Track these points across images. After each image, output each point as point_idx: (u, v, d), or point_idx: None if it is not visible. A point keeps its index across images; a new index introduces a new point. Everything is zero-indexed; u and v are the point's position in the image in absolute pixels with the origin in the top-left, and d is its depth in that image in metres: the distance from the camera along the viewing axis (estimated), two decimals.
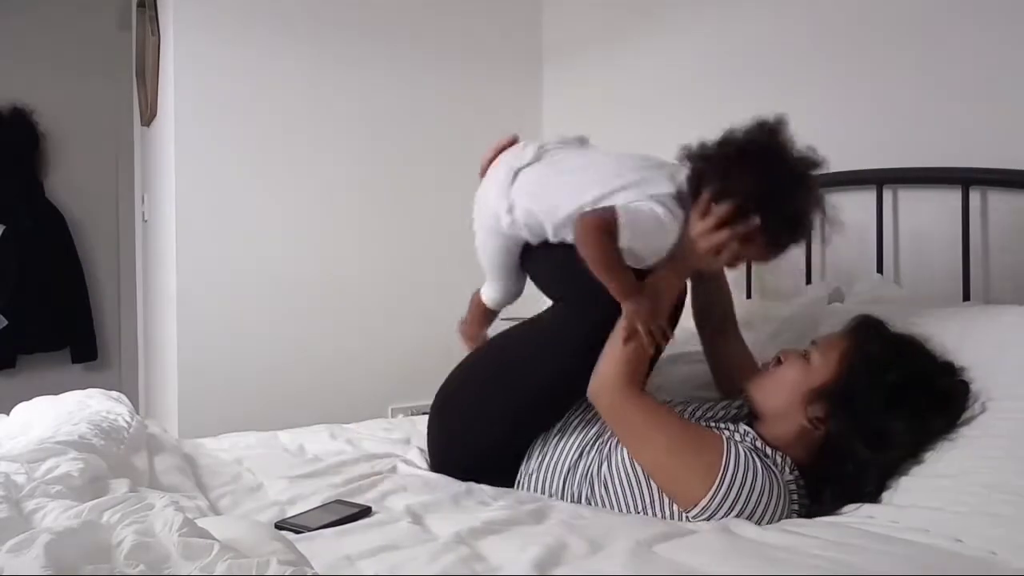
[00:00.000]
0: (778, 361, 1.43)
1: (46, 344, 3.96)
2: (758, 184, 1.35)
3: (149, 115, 2.97)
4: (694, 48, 2.40)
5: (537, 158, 1.54)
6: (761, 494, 1.25)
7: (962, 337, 1.41)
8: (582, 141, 1.66)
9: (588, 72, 2.83)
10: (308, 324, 2.71)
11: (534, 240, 1.55)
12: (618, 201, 1.40)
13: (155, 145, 2.94)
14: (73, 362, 4.03)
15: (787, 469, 1.32)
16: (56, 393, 1.78)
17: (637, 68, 2.60)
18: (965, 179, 1.66)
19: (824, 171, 1.40)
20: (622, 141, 2.64)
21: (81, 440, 1.39)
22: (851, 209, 1.93)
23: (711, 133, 2.32)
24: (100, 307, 4.19)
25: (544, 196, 1.49)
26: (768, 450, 1.34)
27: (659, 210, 1.39)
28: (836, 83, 1.98)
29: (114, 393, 1.82)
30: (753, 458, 1.28)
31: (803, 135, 2.08)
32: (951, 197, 1.70)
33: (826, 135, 2.01)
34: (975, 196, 1.67)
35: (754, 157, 1.38)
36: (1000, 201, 1.65)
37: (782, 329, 1.82)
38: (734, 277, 2.20)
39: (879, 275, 1.83)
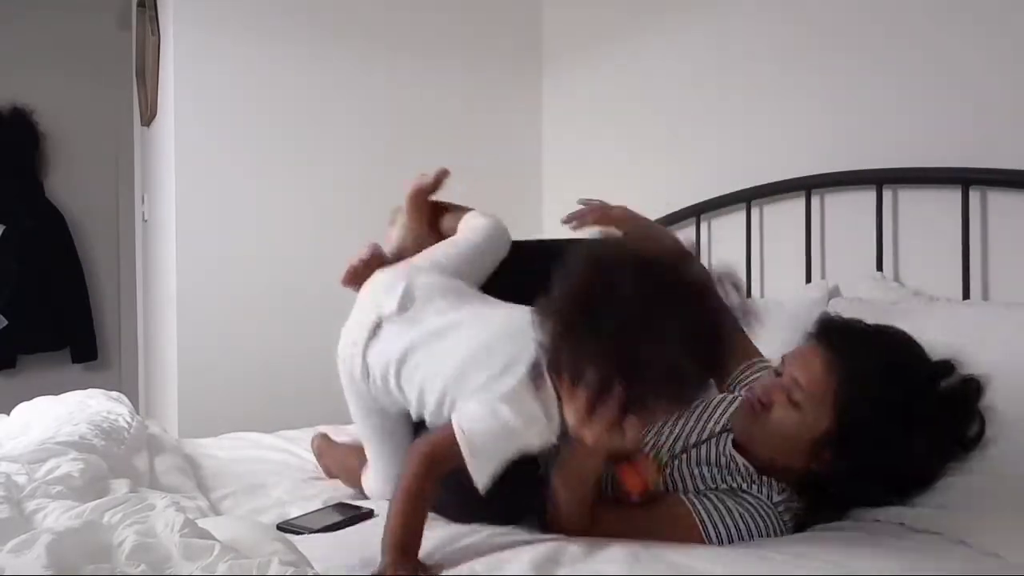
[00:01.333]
0: (760, 404, 1.27)
1: (46, 344, 3.96)
2: (601, 340, 0.99)
3: (149, 115, 2.97)
4: (694, 48, 2.40)
5: (403, 307, 1.29)
6: (748, 533, 1.20)
7: (964, 336, 1.40)
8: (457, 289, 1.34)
9: (588, 72, 2.83)
10: (308, 324, 2.70)
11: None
12: (464, 409, 1.11)
13: (155, 145, 2.94)
14: (73, 362, 4.03)
15: (774, 494, 1.25)
16: (56, 393, 1.78)
17: (637, 68, 2.60)
18: (965, 179, 1.66)
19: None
20: (622, 141, 2.66)
21: (82, 441, 1.39)
22: (851, 209, 1.94)
23: (711, 132, 2.34)
24: (100, 307, 4.19)
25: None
26: (753, 474, 1.27)
27: (503, 414, 1.07)
28: (836, 83, 1.98)
29: (114, 393, 1.82)
30: (725, 511, 1.20)
31: (803, 135, 2.10)
32: (951, 197, 1.70)
33: (826, 135, 2.02)
34: (975, 196, 1.67)
35: (592, 298, 1.00)
36: (1000, 201, 1.65)
37: (781, 327, 1.82)
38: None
39: (879, 272, 1.83)
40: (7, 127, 3.88)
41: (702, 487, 1.28)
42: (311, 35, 2.72)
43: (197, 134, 2.60)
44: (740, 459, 1.29)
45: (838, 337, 1.28)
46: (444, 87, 2.92)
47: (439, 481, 1.09)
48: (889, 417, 1.19)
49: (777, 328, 1.83)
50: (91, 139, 4.08)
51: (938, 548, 1.12)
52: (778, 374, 1.30)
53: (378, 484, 1.40)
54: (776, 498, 1.25)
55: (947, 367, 1.25)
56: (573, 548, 1.10)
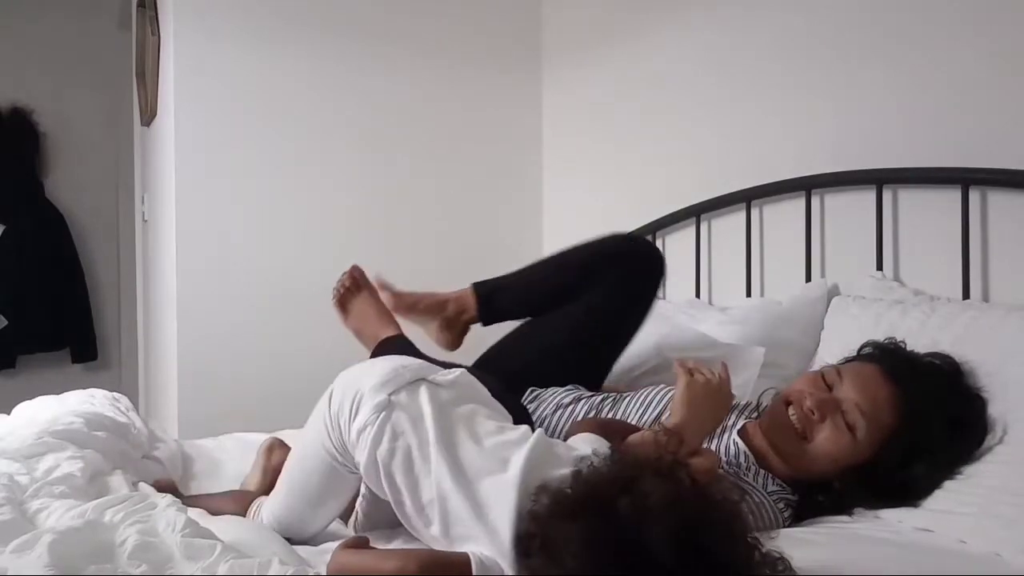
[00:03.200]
0: (807, 419, 1.21)
1: (46, 344, 3.96)
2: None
3: (149, 115, 2.97)
4: (694, 48, 2.40)
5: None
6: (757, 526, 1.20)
7: (964, 338, 1.40)
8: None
9: (588, 72, 2.83)
10: (308, 324, 2.70)
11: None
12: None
13: (155, 145, 2.94)
14: (73, 362, 4.03)
15: (768, 483, 1.25)
16: (56, 393, 1.78)
17: (637, 68, 2.60)
18: (965, 179, 1.66)
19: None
20: (623, 140, 2.66)
21: (78, 433, 1.40)
22: (851, 209, 1.94)
23: (711, 132, 2.33)
24: (100, 307, 4.19)
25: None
26: (751, 465, 1.27)
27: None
28: (836, 83, 1.98)
29: (117, 395, 1.82)
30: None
31: (803, 135, 2.10)
32: (951, 197, 1.70)
33: (826, 135, 2.02)
34: (975, 196, 1.67)
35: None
36: (1000, 201, 1.65)
37: (780, 326, 1.82)
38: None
39: (879, 272, 1.83)
40: (7, 127, 3.88)
41: None
42: (311, 35, 2.72)
43: (197, 134, 2.60)
44: (743, 446, 1.29)
45: (904, 371, 1.23)
46: (444, 87, 2.92)
47: None
48: (931, 462, 1.20)
49: (777, 328, 1.84)
50: (91, 139, 4.08)
51: (938, 548, 1.13)
52: (828, 386, 1.24)
53: (281, 514, 1.22)
54: (771, 487, 1.25)
55: (982, 402, 1.26)
56: None
